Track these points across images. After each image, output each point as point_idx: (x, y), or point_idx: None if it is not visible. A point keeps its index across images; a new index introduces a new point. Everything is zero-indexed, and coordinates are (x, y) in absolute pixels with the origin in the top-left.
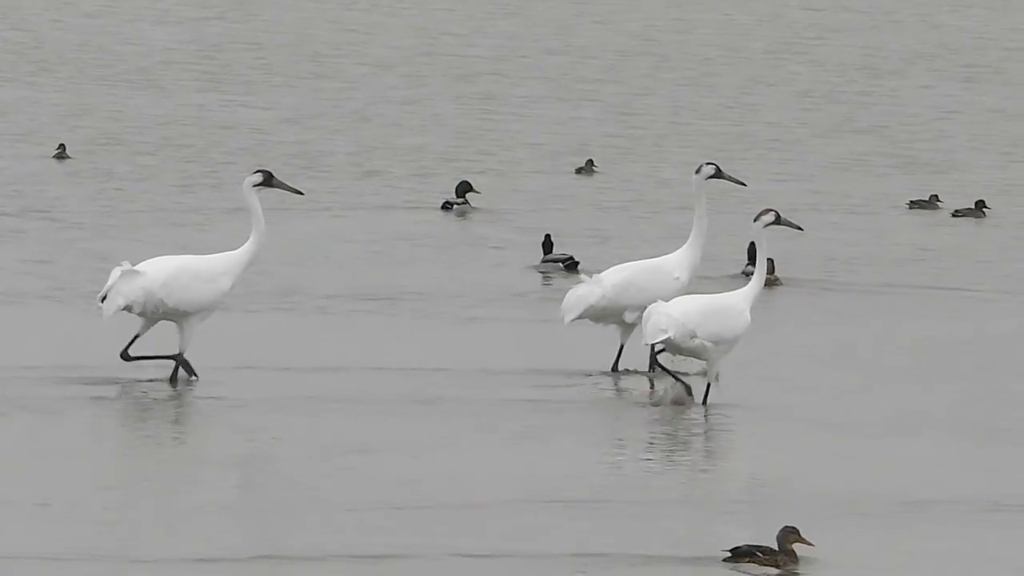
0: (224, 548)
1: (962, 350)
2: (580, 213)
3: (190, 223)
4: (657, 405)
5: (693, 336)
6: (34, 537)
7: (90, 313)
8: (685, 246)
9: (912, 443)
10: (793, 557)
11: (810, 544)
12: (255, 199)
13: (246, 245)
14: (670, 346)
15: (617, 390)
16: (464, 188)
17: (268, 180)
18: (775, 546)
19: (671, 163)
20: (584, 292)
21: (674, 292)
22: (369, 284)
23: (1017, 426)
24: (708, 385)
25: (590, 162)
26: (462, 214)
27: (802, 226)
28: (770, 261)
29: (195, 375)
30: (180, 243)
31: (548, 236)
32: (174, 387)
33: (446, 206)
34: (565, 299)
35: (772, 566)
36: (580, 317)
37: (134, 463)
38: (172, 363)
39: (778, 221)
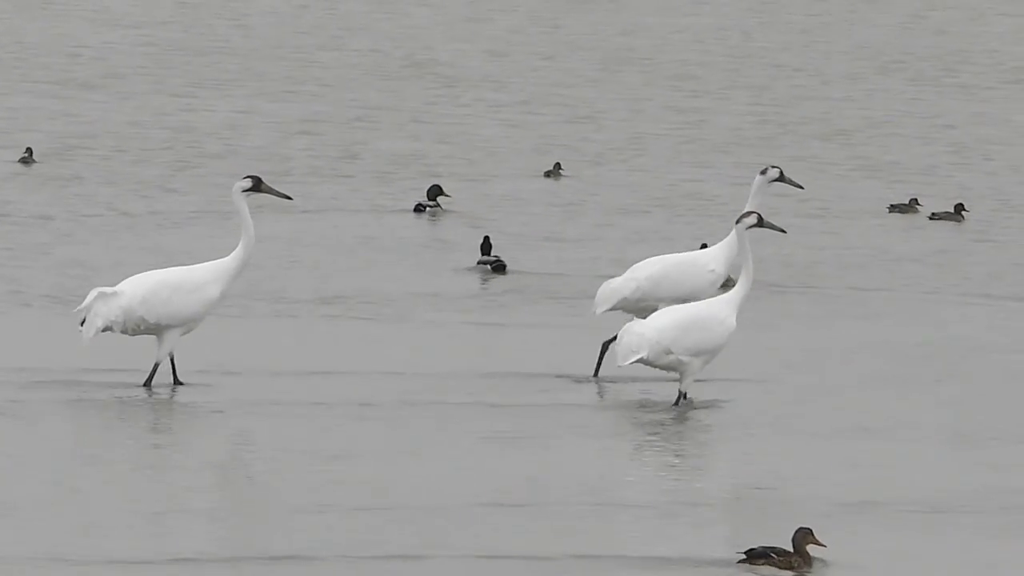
0: (199, 550)
1: (927, 353)
2: (547, 216)
3: (157, 227)
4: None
5: (668, 352)
6: (6, 539)
7: (54, 316)
8: (725, 241)
9: (884, 447)
10: (808, 559)
11: (823, 545)
12: (244, 204)
13: (235, 252)
14: (647, 364)
15: (589, 393)
16: (435, 191)
17: (257, 185)
18: (789, 548)
19: (638, 167)
20: (618, 284)
21: (708, 285)
22: (338, 288)
23: (982, 431)
24: (681, 390)
25: (558, 165)
26: (434, 217)
27: (785, 228)
28: None
29: (150, 385)
30: (146, 246)
31: (487, 238)
32: (149, 390)
33: (418, 208)
34: (599, 291)
35: (787, 568)
36: (612, 309)
37: (106, 467)
38: (169, 366)
39: (760, 224)
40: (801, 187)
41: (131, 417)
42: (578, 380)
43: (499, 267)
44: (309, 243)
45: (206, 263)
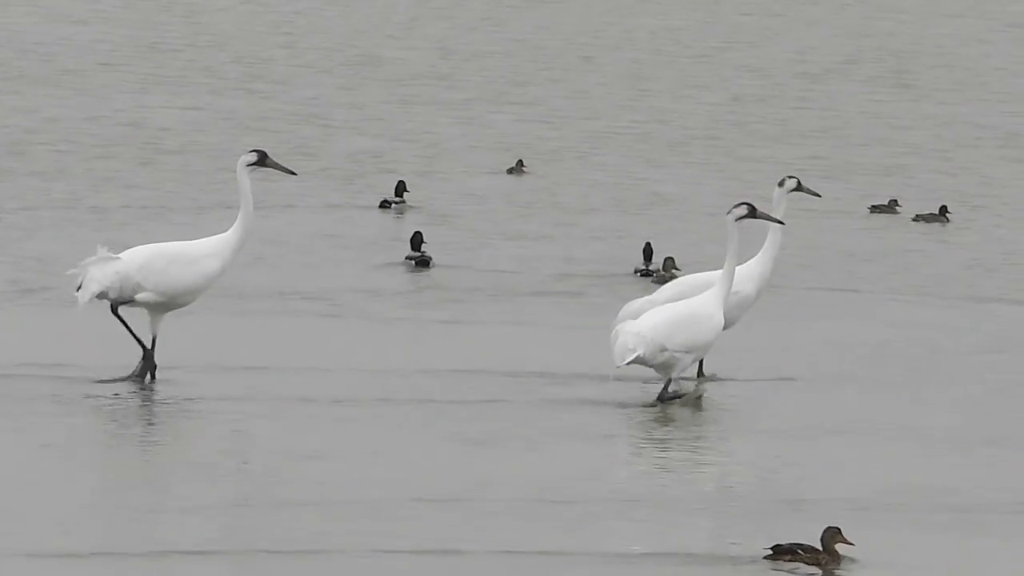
0: (170, 543)
1: (884, 353)
2: (510, 213)
3: (112, 222)
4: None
5: (663, 350)
6: None
7: (8, 311)
8: (755, 258)
9: (855, 445)
10: (837, 557)
11: (852, 544)
12: (247, 179)
13: (233, 227)
14: (641, 362)
15: (583, 392)
16: (402, 187)
17: (262, 160)
18: (817, 545)
19: (602, 166)
20: (638, 306)
21: (733, 305)
22: (295, 284)
23: (939, 431)
24: (668, 381)
25: (520, 163)
26: (400, 213)
27: (783, 220)
28: (670, 259)
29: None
30: (100, 241)
31: (418, 233)
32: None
33: (384, 204)
34: (621, 310)
35: (814, 565)
36: None
37: (72, 462)
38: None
39: (753, 215)
40: (819, 195)
41: (89, 412)
42: (540, 378)
43: (422, 263)
44: (269, 240)
45: (206, 238)
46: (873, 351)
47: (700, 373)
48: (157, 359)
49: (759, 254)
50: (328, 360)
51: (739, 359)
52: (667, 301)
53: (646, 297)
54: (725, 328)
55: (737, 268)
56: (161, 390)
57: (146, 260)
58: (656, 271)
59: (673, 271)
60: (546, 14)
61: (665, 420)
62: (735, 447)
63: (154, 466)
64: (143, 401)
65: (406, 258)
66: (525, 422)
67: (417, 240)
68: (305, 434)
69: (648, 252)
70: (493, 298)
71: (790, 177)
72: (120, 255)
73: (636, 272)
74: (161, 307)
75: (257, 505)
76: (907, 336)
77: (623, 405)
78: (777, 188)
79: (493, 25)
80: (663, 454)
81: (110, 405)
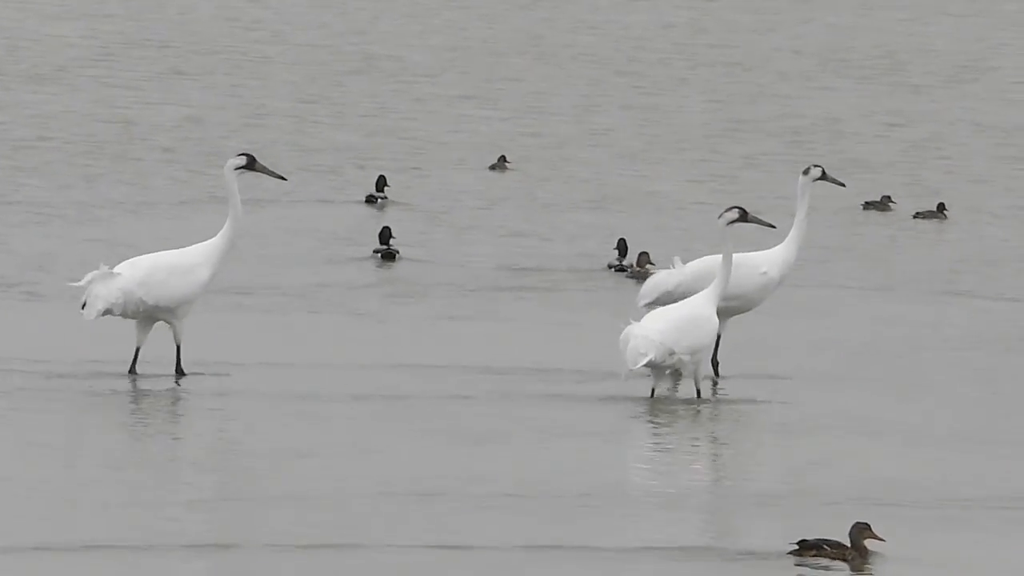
0: (169, 538)
1: (873, 350)
2: (490, 209)
3: (106, 219)
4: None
5: (672, 353)
6: None
7: None
8: (782, 244)
9: (844, 442)
10: (865, 553)
11: (882, 540)
12: (235, 183)
13: (221, 232)
14: (652, 366)
15: (562, 387)
16: (382, 182)
17: (251, 164)
18: (845, 542)
19: (590, 163)
20: (662, 278)
21: (759, 287)
22: (282, 279)
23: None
24: (699, 390)
25: (503, 159)
26: (380, 208)
27: (774, 224)
28: (644, 255)
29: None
30: (92, 238)
31: (387, 228)
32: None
33: (370, 199)
34: (645, 284)
35: (840, 560)
36: (654, 302)
37: (72, 458)
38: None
39: (745, 219)
40: (843, 184)
41: (76, 407)
42: (564, 372)
43: (388, 256)
44: (253, 235)
45: (195, 245)
46: (862, 348)
47: (716, 372)
48: (143, 354)
49: (786, 240)
50: (306, 355)
51: (730, 357)
52: (692, 272)
53: (671, 270)
54: (751, 310)
55: (764, 253)
56: (142, 386)
57: (147, 273)
58: (630, 266)
59: (648, 266)
60: (537, 11)
61: (651, 416)
62: (726, 445)
63: (139, 462)
64: (126, 397)
65: (374, 252)
66: (508, 417)
67: (385, 234)
68: (288, 430)
69: (623, 247)
70: (472, 293)
71: (815, 166)
72: (118, 269)
73: (610, 267)
74: (152, 319)
75: (243, 500)
76: (896, 333)
77: (602, 400)
78: (801, 176)
79: (487, 23)
80: (650, 450)
81: (96, 402)
